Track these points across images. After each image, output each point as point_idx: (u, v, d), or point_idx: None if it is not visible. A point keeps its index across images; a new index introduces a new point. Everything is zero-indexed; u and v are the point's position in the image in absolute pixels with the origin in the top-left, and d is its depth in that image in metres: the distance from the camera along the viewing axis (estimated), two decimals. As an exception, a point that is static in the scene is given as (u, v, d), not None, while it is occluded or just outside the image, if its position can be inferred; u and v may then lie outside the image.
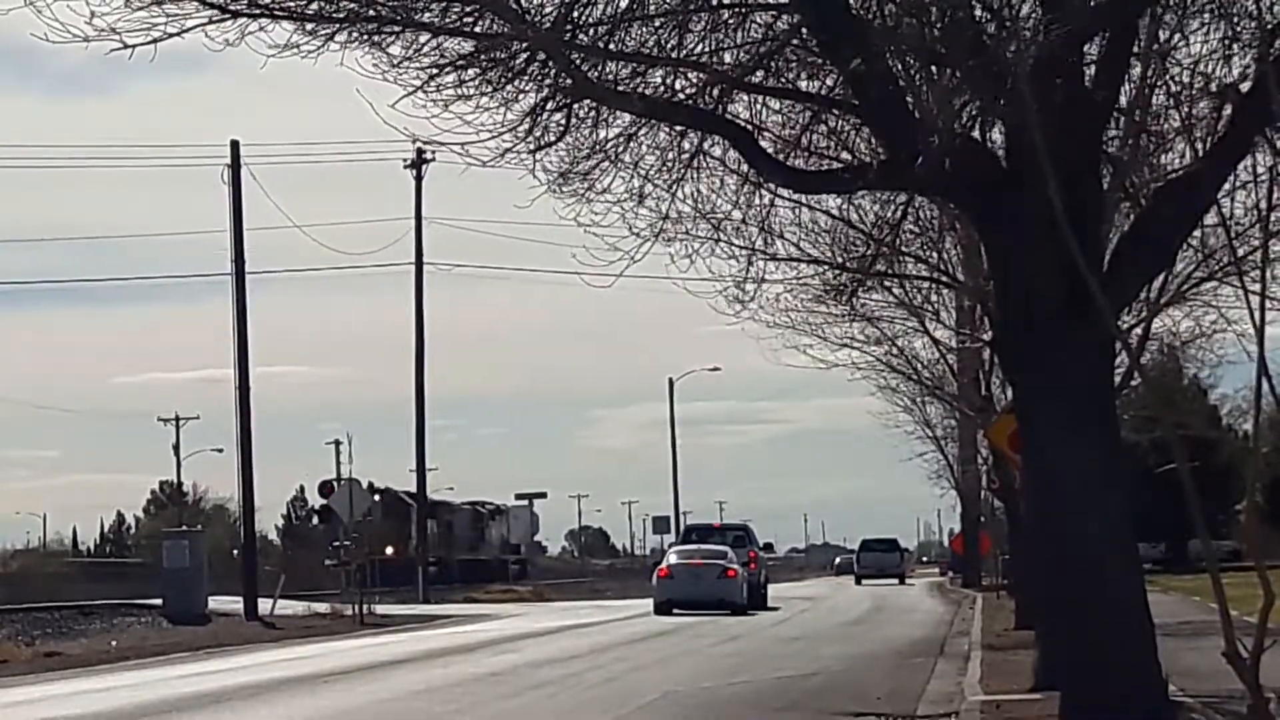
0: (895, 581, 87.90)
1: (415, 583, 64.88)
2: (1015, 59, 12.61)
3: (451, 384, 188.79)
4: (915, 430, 53.44)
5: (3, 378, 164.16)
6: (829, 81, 15.31)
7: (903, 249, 23.77)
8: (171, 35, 13.95)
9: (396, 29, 14.35)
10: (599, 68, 14.73)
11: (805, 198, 20.04)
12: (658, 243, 16.54)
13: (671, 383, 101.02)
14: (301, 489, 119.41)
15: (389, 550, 63.13)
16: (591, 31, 14.52)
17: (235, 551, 64.13)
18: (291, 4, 14.14)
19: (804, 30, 14.69)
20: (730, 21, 14.83)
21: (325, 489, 49.41)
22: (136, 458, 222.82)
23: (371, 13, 14.27)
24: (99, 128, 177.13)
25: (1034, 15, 13.68)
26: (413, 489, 71.57)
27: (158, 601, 47.16)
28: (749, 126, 15.52)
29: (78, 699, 22.79)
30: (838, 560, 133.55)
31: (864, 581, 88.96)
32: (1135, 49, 14.46)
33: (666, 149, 15.87)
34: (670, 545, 60.20)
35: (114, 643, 36.47)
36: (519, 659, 28.50)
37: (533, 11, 14.31)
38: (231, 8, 13.93)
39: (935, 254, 25.83)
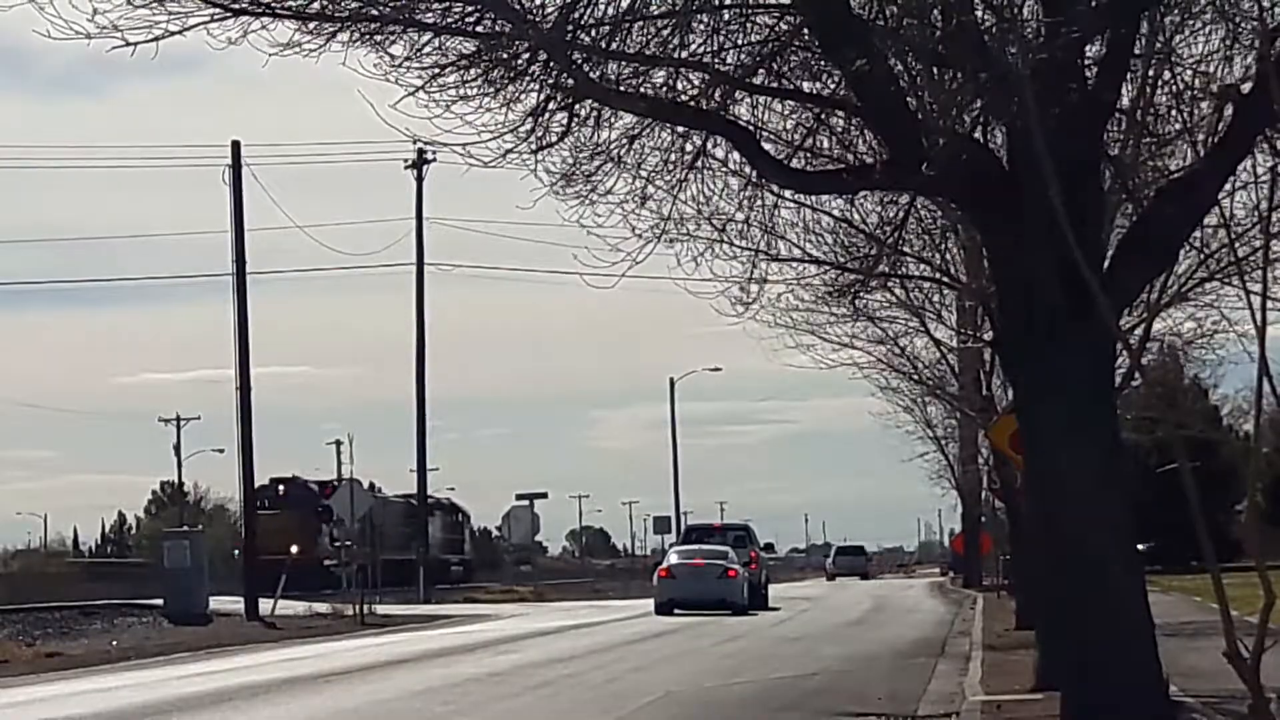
0: (859, 578, 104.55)
1: (332, 587, 62.49)
2: (1017, 60, 12.62)
3: (452, 384, 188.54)
4: (916, 431, 53.28)
5: (2, 378, 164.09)
6: (831, 83, 15.30)
7: (905, 250, 23.74)
8: (173, 33, 13.95)
9: (398, 28, 14.36)
10: (601, 68, 14.73)
11: (808, 199, 20.03)
12: (660, 244, 16.55)
13: (672, 383, 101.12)
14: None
15: (293, 549, 56.85)
16: (593, 31, 14.51)
17: (236, 552, 63.78)
18: (293, 3, 14.14)
19: (806, 31, 14.70)
20: (732, 22, 14.83)
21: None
22: (137, 458, 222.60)
23: (373, 12, 14.27)
24: (98, 128, 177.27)
25: (1036, 17, 13.68)
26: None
27: (158, 602, 47.13)
28: (751, 128, 15.52)
29: (79, 699, 22.81)
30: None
31: (836, 578, 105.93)
32: (1136, 50, 14.46)
33: (669, 150, 15.86)
34: (671, 545, 60.20)
35: (115, 643, 36.49)
36: (519, 659, 28.51)
37: (534, 11, 14.31)
38: (233, 6, 13.92)
39: (937, 255, 25.80)
